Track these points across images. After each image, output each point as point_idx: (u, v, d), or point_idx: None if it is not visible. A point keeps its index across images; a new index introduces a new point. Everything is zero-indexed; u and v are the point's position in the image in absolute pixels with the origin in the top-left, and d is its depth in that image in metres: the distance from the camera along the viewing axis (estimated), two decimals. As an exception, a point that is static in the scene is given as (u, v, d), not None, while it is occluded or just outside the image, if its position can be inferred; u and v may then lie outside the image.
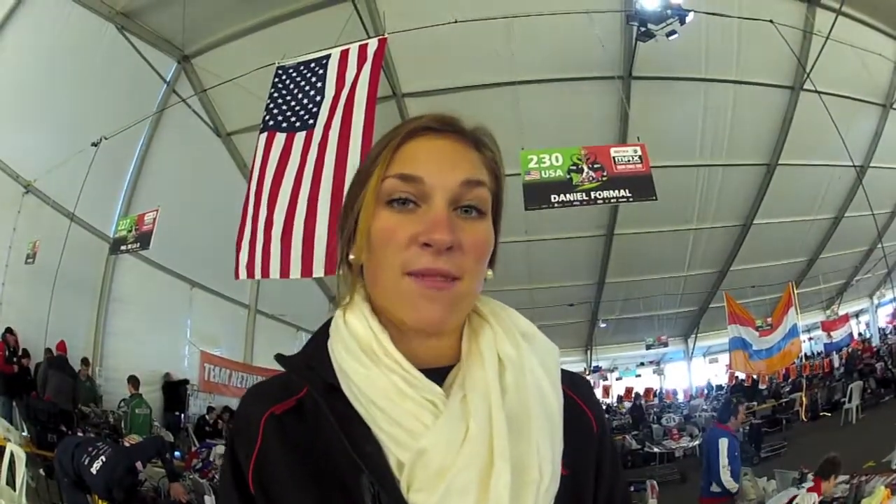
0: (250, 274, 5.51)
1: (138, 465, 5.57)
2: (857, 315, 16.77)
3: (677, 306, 16.01)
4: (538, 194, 5.63)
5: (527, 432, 0.74)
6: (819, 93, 8.73)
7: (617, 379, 19.29)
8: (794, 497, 5.18)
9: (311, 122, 5.57)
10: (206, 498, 6.39)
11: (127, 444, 6.69)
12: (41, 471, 6.52)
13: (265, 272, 5.37)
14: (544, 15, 7.96)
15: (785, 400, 13.83)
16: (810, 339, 16.60)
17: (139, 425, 9.15)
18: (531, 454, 0.73)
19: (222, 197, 9.10)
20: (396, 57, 8.98)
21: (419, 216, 0.76)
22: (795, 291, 12.02)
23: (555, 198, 5.61)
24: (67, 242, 8.92)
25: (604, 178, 5.67)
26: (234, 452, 0.81)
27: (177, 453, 8.72)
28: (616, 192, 5.68)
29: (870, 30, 9.96)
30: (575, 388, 0.88)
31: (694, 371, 19.50)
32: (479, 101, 9.28)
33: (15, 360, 8.73)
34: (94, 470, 5.13)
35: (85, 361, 9.67)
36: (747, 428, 10.80)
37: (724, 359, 16.02)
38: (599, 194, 5.67)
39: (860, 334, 16.34)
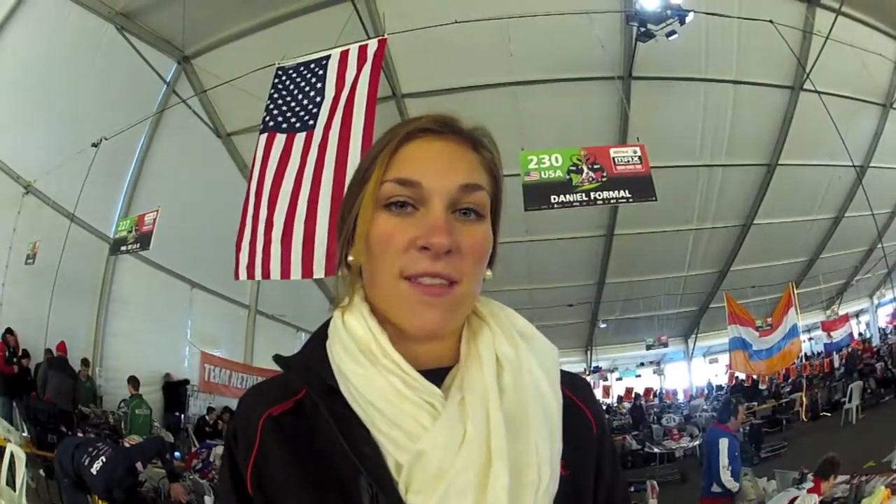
0: (250, 275, 5.51)
1: (138, 465, 5.57)
2: (857, 315, 16.75)
3: (677, 306, 16.00)
4: (538, 195, 5.63)
5: (525, 432, 0.74)
6: (819, 93, 8.74)
7: (617, 379, 19.30)
8: (795, 498, 5.18)
9: (311, 122, 5.56)
10: (206, 498, 6.40)
11: (127, 445, 6.70)
12: (41, 471, 6.51)
13: (265, 273, 5.37)
14: (544, 15, 7.95)
15: (785, 400, 13.82)
16: (810, 339, 16.60)
17: (139, 426, 9.15)
18: (530, 454, 0.73)
19: (222, 197, 9.08)
20: (396, 57, 8.97)
21: (417, 220, 0.76)
22: (795, 291, 12.01)
23: (554, 198, 5.61)
24: (67, 243, 8.93)
25: (603, 179, 5.67)
26: (233, 454, 0.81)
27: (177, 454, 8.72)
28: (616, 192, 5.68)
29: (870, 30, 9.96)
30: (574, 388, 0.88)
31: (694, 371, 19.49)
32: (478, 102, 9.28)
33: (15, 360, 8.73)
34: (94, 470, 5.13)
35: (85, 362, 9.67)
36: (747, 428, 10.80)
37: (725, 359, 16.01)
38: (599, 195, 5.67)
39: (860, 334, 16.33)
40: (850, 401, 11.45)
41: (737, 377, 15.79)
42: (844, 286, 16.28)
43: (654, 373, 19.75)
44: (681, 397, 19.14)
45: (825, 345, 15.63)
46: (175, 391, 11.31)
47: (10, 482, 5.20)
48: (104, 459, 5.19)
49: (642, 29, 7.84)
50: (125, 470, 5.28)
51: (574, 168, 5.68)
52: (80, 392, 9.22)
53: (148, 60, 8.92)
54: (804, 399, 12.43)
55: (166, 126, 10.16)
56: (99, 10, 8.39)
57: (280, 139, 5.65)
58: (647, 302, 15.42)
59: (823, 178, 12.33)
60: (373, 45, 5.74)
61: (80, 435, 7.40)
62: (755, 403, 13.54)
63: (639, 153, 5.85)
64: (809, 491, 5.15)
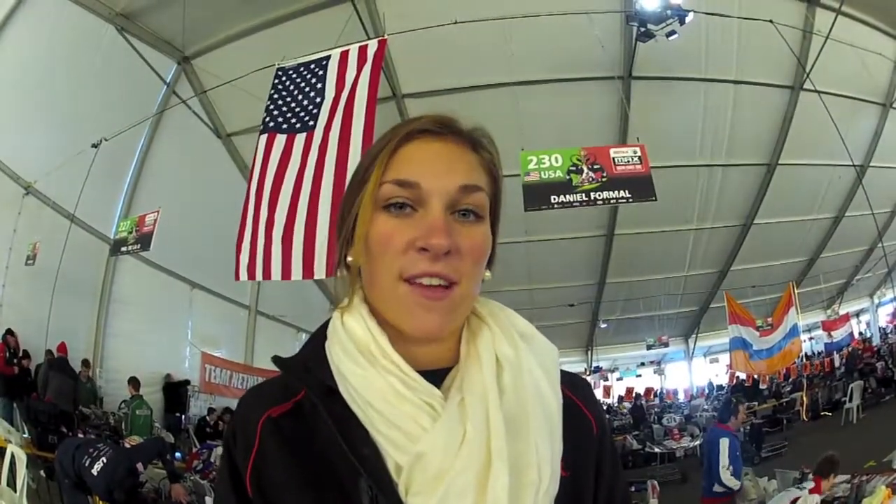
0: (251, 275, 5.51)
1: (139, 466, 5.58)
2: (857, 314, 16.77)
3: (678, 306, 16.00)
4: (538, 195, 5.62)
5: (525, 432, 0.74)
6: (819, 92, 8.73)
7: (618, 379, 19.29)
8: (797, 499, 5.17)
9: (311, 123, 5.56)
10: (207, 499, 6.40)
11: (128, 446, 6.69)
12: (42, 472, 6.52)
13: (266, 274, 5.36)
14: (544, 15, 7.95)
15: (785, 400, 13.83)
16: (811, 338, 16.60)
17: (140, 426, 9.15)
18: (530, 454, 0.73)
19: (223, 198, 9.08)
20: (396, 58, 8.97)
21: (416, 221, 0.76)
22: (796, 291, 12.01)
23: (554, 199, 5.61)
24: (68, 244, 8.92)
25: (603, 179, 5.66)
26: (232, 455, 0.81)
27: (177, 454, 8.71)
28: (616, 192, 5.67)
29: (870, 29, 9.97)
30: (574, 389, 0.88)
31: (695, 371, 19.49)
32: (478, 102, 9.28)
33: (15, 361, 8.73)
34: (94, 471, 5.14)
35: (85, 363, 9.67)
36: (748, 428, 10.80)
37: (725, 359, 16.02)
38: (599, 195, 5.67)
39: (861, 334, 16.34)
40: (850, 400, 11.45)
41: (737, 377, 15.79)
42: (845, 286, 16.28)
43: (655, 373, 19.73)
44: (681, 397, 19.13)
45: (826, 344, 15.64)
46: (176, 392, 11.31)
47: (11, 483, 5.20)
48: (105, 460, 5.19)
49: (642, 29, 7.84)
50: (126, 471, 5.28)
51: (574, 168, 5.67)
52: (80, 393, 9.22)
53: (148, 61, 8.92)
54: (805, 399, 12.42)
55: (166, 127, 10.16)
56: (99, 10, 8.38)
57: (280, 140, 5.65)
58: (648, 302, 15.42)
59: (823, 178, 12.33)
60: (373, 45, 5.73)
61: (80, 436, 7.41)
62: (756, 403, 13.54)
63: (639, 153, 5.85)
64: (811, 491, 5.15)
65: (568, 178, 5.65)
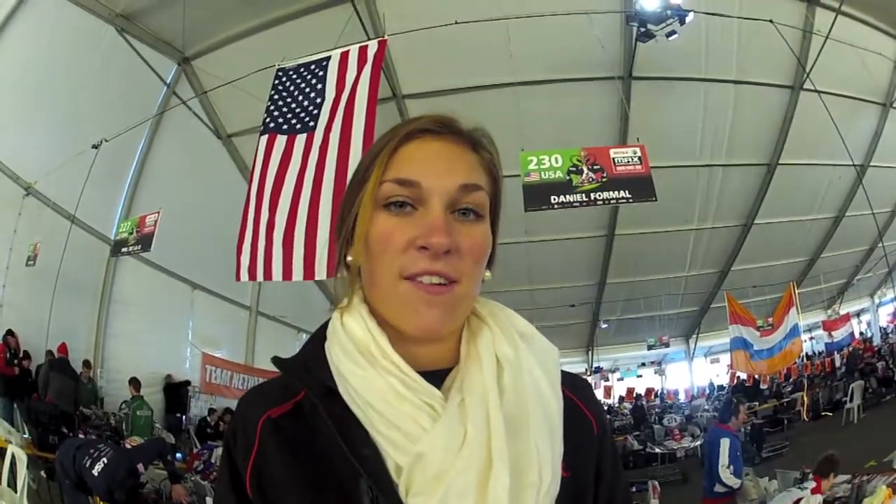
0: (252, 276, 5.50)
1: (140, 466, 5.58)
2: (858, 314, 16.75)
3: (678, 306, 15.99)
4: (538, 195, 5.62)
5: (525, 433, 0.74)
6: (819, 92, 8.73)
7: (618, 379, 19.25)
8: (800, 499, 5.16)
9: (311, 123, 5.56)
10: (208, 500, 6.40)
11: (128, 446, 6.69)
12: (42, 473, 6.52)
13: (267, 274, 5.36)
14: (544, 16, 7.95)
15: (786, 400, 13.82)
16: (811, 338, 16.57)
17: (140, 427, 9.15)
18: (530, 455, 0.73)
19: (223, 199, 9.09)
20: (396, 58, 8.98)
21: (416, 219, 0.76)
22: (796, 291, 12.00)
23: (554, 199, 5.61)
24: (68, 244, 8.92)
25: (603, 180, 5.67)
26: (232, 455, 0.81)
27: (178, 455, 8.70)
28: (616, 193, 5.67)
29: (870, 29, 9.96)
30: (575, 389, 0.88)
31: (695, 371, 19.47)
32: (479, 102, 9.28)
33: (16, 362, 8.72)
34: (95, 472, 5.14)
35: (86, 363, 9.67)
36: (749, 428, 10.79)
37: (726, 359, 15.99)
38: (599, 195, 5.67)
39: (861, 334, 16.32)
40: (851, 400, 11.44)
41: (738, 377, 15.77)
42: (845, 286, 16.27)
43: (656, 373, 19.70)
44: (682, 397, 19.11)
45: (826, 344, 15.61)
46: (176, 392, 11.30)
47: (12, 483, 5.20)
48: (105, 461, 5.19)
49: (642, 29, 7.84)
50: (126, 471, 5.29)
51: (574, 168, 5.68)
52: (81, 393, 9.22)
53: (148, 62, 8.92)
54: (805, 399, 12.41)
55: (167, 127, 10.17)
56: (99, 11, 8.38)
57: (281, 140, 5.65)
58: (648, 302, 15.41)
59: (824, 178, 12.32)
60: (373, 46, 5.74)
61: (81, 436, 7.41)
62: (756, 403, 13.54)
63: (639, 153, 5.85)
64: (813, 491, 5.15)
65: (568, 178, 5.65)
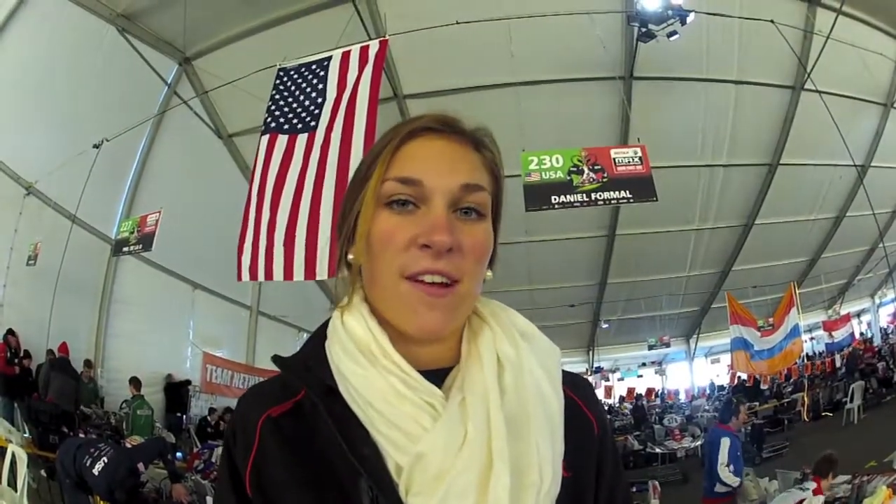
0: (253, 276, 5.50)
1: (140, 466, 5.57)
2: (858, 315, 16.75)
3: (679, 307, 15.99)
4: (538, 195, 5.63)
5: (526, 433, 0.74)
6: (820, 92, 8.72)
7: (619, 379, 19.23)
8: (802, 500, 5.16)
9: (312, 123, 5.56)
10: (208, 499, 6.40)
11: (129, 446, 6.69)
12: (43, 472, 6.52)
13: (268, 274, 5.36)
14: (545, 16, 7.95)
15: (787, 400, 13.81)
16: (812, 338, 16.57)
17: (141, 426, 9.15)
18: (531, 454, 0.73)
19: (224, 198, 9.10)
20: (397, 58, 8.97)
21: (418, 218, 0.76)
22: (797, 291, 11.99)
23: (555, 199, 5.61)
24: (69, 244, 8.92)
25: (604, 180, 5.67)
26: (232, 454, 0.81)
27: (178, 454, 8.70)
28: (616, 193, 5.68)
29: (870, 29, 9.96)
30: (576, 389, 0.88)
31: (696, 371, 19.46)
32: (480, 102, 9.28)
33: (16, 361, 8.73)
34: (95, 471, 5.14)
35: (88, 363, 9.68)
36: (749, 428, 10.79)
37: (726, 359, 15.99)
38: (600, 195, 5.67)
39: (862, 334, 16.31)
40: (851, 401, 11.43)
41: (738, 377, 15.76)
42: (846, 286, 16.27)
43: (656, 373, 19.70)
44: (682, 397, 19.11)
45: (827, 344, 15.60)
46: (177, 392, 11.31)
47: (12, 483, 5.20)
48: (106, 460, 5.19)
49: (643, 29, 7.84)
50: (127, 471, 5.28)
51: (575, 169, 5.68)
52: (82, 393, 9.22)
53: (149, 62, 8.92)
54: (806, 399, 12.40)
55: (168, 127, 10.17)
56: (100, 11, 8.39)
57: (282, 140, 5.64)
58: (649, 302, 15.40)
59: (824, 178, 12.32)
60: (374, 46, 5.74)
61: (81, 436, 7.41)
62: (757, 403, 13.53)
63: (639, 154, 5.85)
64: (815, 492, 5.14)
65: (569, 178, 5.65)
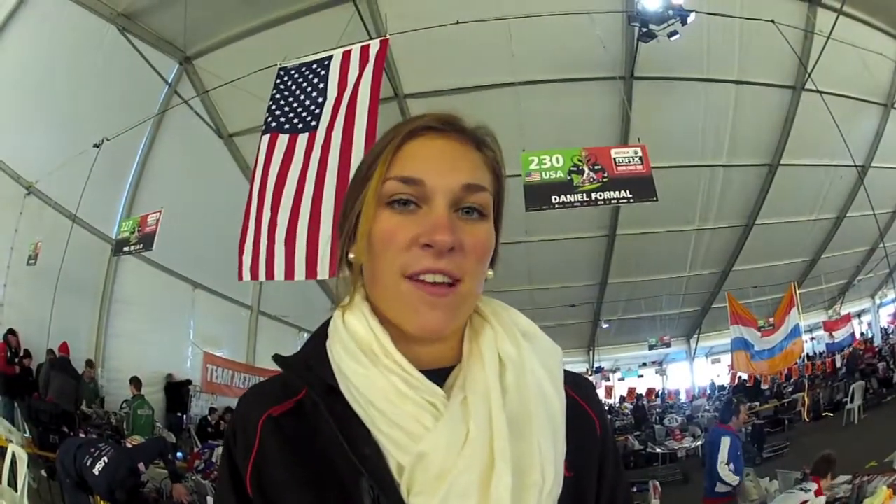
0: (254, 275, 5.49)
1: (140, 466, 5.58)
2: (859, 315, 16.75)
3: (679, 307, 15.99)
4: (539, 195, 5.62)
5: (528, 432, 0.73)
6: (820, 92, 8.72)
7: (619, 379, 19.23)
8: (805, 502, 5.15)
9: (313, 123, 5.55)
10: (209, 499, 6.40)
11: (129, 445, 6.70)
12: (43, 472, 6.52)
13: (269, 274, 5.36)
14: (545, 16, 7.95)
15: (787, 400, 13.81)
16: (812, 339, 16.57)
17: (141, 426, 9.15)
18: (533, 454, 0.73)
19: (225, 198, 9.11)
20: (398, 58, 8.98)
21: (420, 217, 0.76)
22: (797, 291, 11.98)
23: (555, 199, 5.61)
24: (69, 244, 8.92)
25: (604, 180, 5.66)
26: (232, 454, 0.80)
27: (179, 454, 8.71)
28: (617, 193, 5.67)
29: (871, 29, 9.96)
30: (577, 388, 0.88)
31: (696, 371, 19.47)
32: (480, 102, 9.29)
33: (17, 361, 8.73)
34: (96, 471, 5.14)
35: (89, 363, 9.69)
36: (749, 428, 10.79)
37: (727, 359, 15.98)
38: (600, 195, 5.67)
39: (862, 334, 16.32)
40: (851, 401, 11.43)
41: (739, 377, 15.76)
42: (846, 286, 16.27)
43: (657, 373, 19.70)
44: (683, 397, 19.12)
45: (827, 345, 15.60)
46: (177, 392, 11.31)
47: (12, 483, 5.20)
48: (106, 460, 5.20)
49: (644, 29, 7.84)
50: (127, 470, 5.29)
51: (575, 168, 5.67)
52: (83, 393, 9.22)
53: (149, 61, 8.93)
54: (806, 399, 12.41)
55: (168, 127, 10.18)
56: (100, 10, 8.39)
57: (283, 140, 5.63)
58: (650, 302, 15.40)
59: (825, 178, 12.31)
60: (375, 45, 5.73)
61: (81, 435, 7.41)
62: (757, 403, 13.53)
63: (640, 153, 5.85)
64: (816, 493, 5.14)
65: (569, 178, 5.65)
